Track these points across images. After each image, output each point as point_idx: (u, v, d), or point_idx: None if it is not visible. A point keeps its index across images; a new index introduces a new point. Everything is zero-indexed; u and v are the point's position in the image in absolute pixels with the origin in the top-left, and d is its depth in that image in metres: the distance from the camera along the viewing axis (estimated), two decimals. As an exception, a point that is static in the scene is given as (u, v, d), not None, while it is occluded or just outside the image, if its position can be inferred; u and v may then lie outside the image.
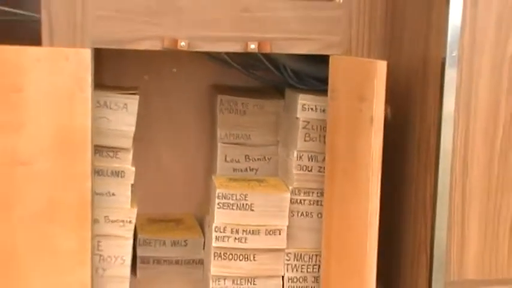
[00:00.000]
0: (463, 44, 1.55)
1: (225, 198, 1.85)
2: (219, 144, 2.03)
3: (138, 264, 2.00)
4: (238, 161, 2.04)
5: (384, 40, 1.81)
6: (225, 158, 2.03)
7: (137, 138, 1.93)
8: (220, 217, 1.85)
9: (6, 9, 1.90)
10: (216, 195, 1.84)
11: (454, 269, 1.63)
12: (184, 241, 2.01)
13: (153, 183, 2.16)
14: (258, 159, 2.06)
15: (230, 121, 2.03)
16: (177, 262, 2.02)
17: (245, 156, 2.05)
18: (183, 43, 1.69)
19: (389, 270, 1.83)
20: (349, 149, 1.69)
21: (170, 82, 2.14)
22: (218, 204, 1.84)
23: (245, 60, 2.05)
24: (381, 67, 1.56)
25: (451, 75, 1.55)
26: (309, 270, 1.94)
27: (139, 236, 2.00)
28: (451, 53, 1.54)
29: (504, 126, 1.60)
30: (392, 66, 1.76)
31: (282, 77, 2.03)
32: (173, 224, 2.09)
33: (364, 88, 1.60)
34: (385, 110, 1.61)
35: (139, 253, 2.00)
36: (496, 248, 1.64)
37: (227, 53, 2.00)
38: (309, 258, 1.93)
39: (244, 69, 2.08)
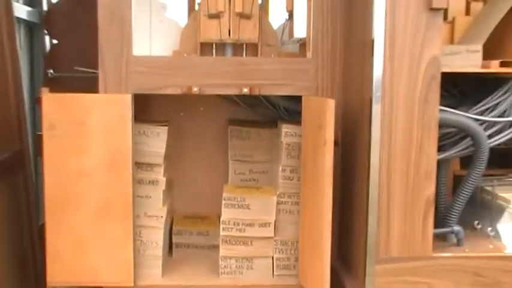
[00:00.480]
0: (384, 87, 1.84)
1: (229, 200, 2.17)
2: (230, 162, 2.35)
3: (174, 248, 2.35)
4: (244, 174, 2.35)
5: (341, 84, 2.12)
6: (235, 172, 2.35)
7: (173, 157, 2.30)
8: (226, 214, 2.17)
9: (80, 68, 2.29)
10: (223, 198, 2.17)
11: (383, 249, 1.89)
12: (206, 231, 2.33)
13: (187, 190, 2.47)
14: (258, 172, 2.35)
15: (238, 145, 2.34)
16: (201, 247, 2.35)
17: (249, 170, 2.35)
18: (195, 89, 2.06)
19: (345, 249, 2.12)
20: (313, 164, 1.99)
21: (198, 117, 2.44)
22: (224, 204, 2.17)
23: (251, 101, 2.36)
24: (331, 103, 1.87)
25: (376, 110, 1.84)
26: (291, 252, 2.19)
27: (174, 228, 2.35)
28: (376, 93, 1.84)
29: (416, 146, 1.87)
30: (346, 103, 2.08)
31: (276, 113, 2.34)
32: (200, 219, 2.41)
33: (321, 119, 1.91)
34: (336, 135, 1.92)
35: (174, 240, 2.35)
36: (413, 233, 1.89)
37: (237, 96, 2.32)
38: (291, 243, 2.19)
39: (250, 107, 2.38)
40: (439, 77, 1.85)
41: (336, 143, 1.94)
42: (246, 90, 2.08)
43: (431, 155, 1.88)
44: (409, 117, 1.86)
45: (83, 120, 2.03)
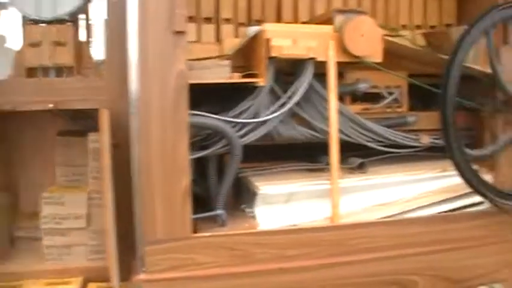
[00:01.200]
0: (142, 97, 1.94)
1: (48, 198, 2.29)
2: (56, 167, 2.45)
3: (16, 241, 2.44)
4: (67, 176, 2.44)
5: (125, 98, 2.15)
6: (61, 175, 2.45)
7: (17, 165, 2.46)
8: (45, 210, 2.29)
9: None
10: (42, 197, 2.29)
11: (150, 232, 1.98)
12: (42, 226, 2.41)
13: (30, 192, 2.48)
14: (79, 174, 2.43)
15: (63, 152, 2.44)
16: (39, 239, 2.33)
17: (72, 173, 2.44)
18: (8, 106, 2.18)
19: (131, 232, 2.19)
20: (101, 164, 2.10)
21: (37, 130, 2.49)
22: (44, 202, 2.29)
23: (76, 115, 2.41)
24: (105, 113, 2.01)
25: (134, 122, 1.96)
26: (102, 239, 2.28)
27: (16, 224, 2.45)
28: (133, 110, 1.95)
29: (170, 146, 1.97)
30: (126, 114, 2.15)
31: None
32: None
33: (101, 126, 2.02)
34: (114, 139, 2.03)
35: (16, 234, 2.43)
36: (173, 219, 1.99)
37: (64, 112, 2.38)
38: (102, 232, 2.27)
39: (73, 120, 2.44)
40: (186, 88, 1.96)
41: (115, 146, 2.05)
42: (51, 106, 2.20)
43: (184, 154, 1.98)
44: (163, 122, 1.96)
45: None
